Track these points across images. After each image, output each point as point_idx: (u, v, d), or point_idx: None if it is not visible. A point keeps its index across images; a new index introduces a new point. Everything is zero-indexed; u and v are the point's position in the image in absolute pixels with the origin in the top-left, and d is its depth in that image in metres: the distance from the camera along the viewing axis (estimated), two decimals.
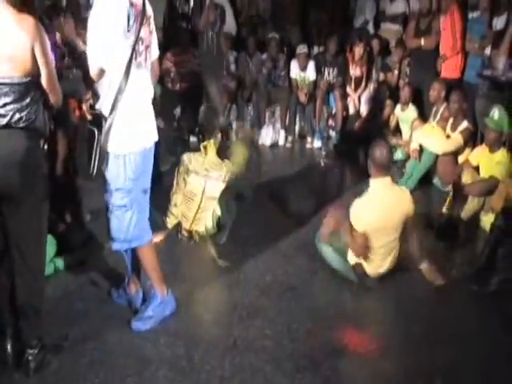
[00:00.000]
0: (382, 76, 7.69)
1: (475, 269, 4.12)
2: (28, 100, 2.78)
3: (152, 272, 3.49)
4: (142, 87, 3.22)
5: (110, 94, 3.08)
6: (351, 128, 7.45)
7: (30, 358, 3.04)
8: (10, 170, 2.76)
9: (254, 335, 3.46)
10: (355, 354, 3.42)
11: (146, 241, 3.41)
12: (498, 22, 6.13)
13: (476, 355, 3.37)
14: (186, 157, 4.71)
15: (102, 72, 3.01)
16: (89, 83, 3.22)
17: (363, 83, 7.60)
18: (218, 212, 4.66)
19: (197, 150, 4.94)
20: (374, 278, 4.02)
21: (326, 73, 7.71)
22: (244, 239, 4.72)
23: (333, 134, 7.57)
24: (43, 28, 2.84)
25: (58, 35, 5.34)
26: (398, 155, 6.47)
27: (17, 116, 2.75)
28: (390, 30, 8.22)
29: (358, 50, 7.50)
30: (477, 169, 5.02)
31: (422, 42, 6.87)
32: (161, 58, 7.30)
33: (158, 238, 4.56)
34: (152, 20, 3.26)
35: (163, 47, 7.54)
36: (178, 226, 4.73)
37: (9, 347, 3.07)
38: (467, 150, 5.57)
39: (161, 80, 7.26)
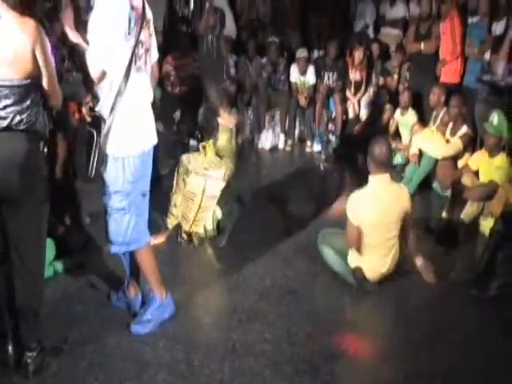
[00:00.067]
0: (381, 80, 7.70)
1: (475, 273, 4.11)
2: (28, 102, 2.78)
3: (150, 275, 3.49)
4: (142, 90, 3.23)
5: (110, 96, 3.08)
6: (351, 132, 7.47)
7: (29, 360, 3.03)
8: (10, 173, 2.76)
9: (253, 339, 3.45)
10: (355, 358, 3.42)
11: (144, 244, 3.41)
12: (498, 27, 6.15)
13: (475, 359, 3.37)
14: (185, 157, 4.71)
15: (103, 74, 3.01)
16: (89, 86, 3.21)
17: (363, 87, 7.62)
18: (219, 214, 4.67)
19: (196, 151, 4.94)
20: (373, 283, 4.01)
21: (326, 77, 7.73)
22: (243, 242, 4.73)
23: (332, 137, 7.58)
24: (44, 31, 2.84)
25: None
26: (398, 159, 6.48)
27: (17, 118, 2.75)
28: (390, 34, 8.24)
29: (358, 55, 7.51)
30: (476, 173, 5.03)
31: (422, 46, 6.89)
32: (161, 62, 7.37)
33: (159, 239, 4.57)
34: (152, 23, 3.27)
35: (163, 51, 7.56)
36: (178, 228, 4.72)
37: (10, 349, 3.07)
38: (467, 155, 5.57)
39: (160, 83, 7.27)
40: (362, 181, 4.10)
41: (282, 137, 7.80)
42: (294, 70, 7.79)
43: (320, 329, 3.60)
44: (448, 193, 5.54)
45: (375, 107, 7.46)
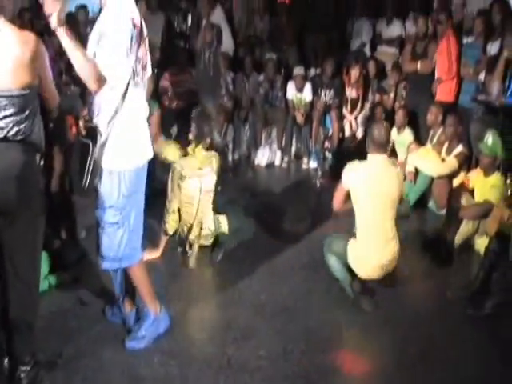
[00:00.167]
0: (377, 98, 7.74)
1: (470, 292, 4.13)
2: (26, 113, 2.80)
3: (144, 291, 3.48)
4: (138, 105, 3.25)
5: (108, 111, 3.09)
6: (347, 149, 7.49)
7: (23, 375, 3.01)
8: (6, 184, 2.76)
9: (248, 355, 3.45)
10: (350, 375, 3.43)
11: (136, 261, 3.40)
12: (492, 48, 6.22)
13: (470, 378, 3.37)
14: (177, 163, 4.70)
15: (103, 80, 3.00)
16: (87, 99, 3.23)
17: (359, 105, 7.66)
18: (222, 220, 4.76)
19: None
20: (369, 300, 4.02)
21: (323, 94, 7.76)
22: (239, 259, 4.74)
23: (329, 154, 7.59)
24: (42, 43, 2.88)
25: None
26: None
27: (15, 129, 2.76)
28: (387, 52, 8.30)
29: (355, 73, 7.56)
30: (471, 192, 5.05)
31: (419, 66, 6.94)
32: (158, 77, 7.41)
33: (153, 255, 4.57)
34: (147, 40, 3.30)
35: (160, 66, 7.61)
36: (179, 238, 4.74)
37: (4, 363, 3.05)
38: (462, 174, 5.60)
39: (158, 98, 7.31)
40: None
41: (278, 153, 7.81)
42: (291, 87, 7.82)
43: (315, 345, 3.60)
44: (443, 211, 5.57)
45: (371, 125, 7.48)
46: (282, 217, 5.72)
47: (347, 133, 7.64)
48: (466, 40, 6.83)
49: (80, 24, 8.20)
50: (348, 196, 4.04)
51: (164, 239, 4.70)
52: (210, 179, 4.68)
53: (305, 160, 7.78)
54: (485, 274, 4.10)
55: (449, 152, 5.77)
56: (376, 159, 4.03)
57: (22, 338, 3.02)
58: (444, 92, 6.70)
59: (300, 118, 7.74)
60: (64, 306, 3.89)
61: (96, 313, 3.79)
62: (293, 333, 3.71)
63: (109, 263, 3.35)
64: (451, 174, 5.63)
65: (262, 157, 7.75)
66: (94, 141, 3.10)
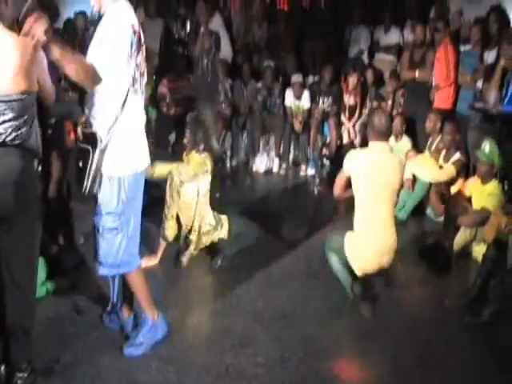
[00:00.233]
0: (375, 105, 7.76)
1: (467, 299, 4.13)
2: (25, 118, 2.81)
3: (142, 297, 3.48)
4: (137, 112, 3.25)
5: (108, 117, 3.10)
6: (345, 156, 7.48)
7: (20, 381, 3.01)
8: (4, 190, 2.77)
9: (246, 363, 3.44)
10: (347, 383, 3.41)
11: (134, 267, 3.40)
12: (489, 56, 6.24)
13: None
14: (174, 171, 4.70)
15: (100, 80, 2.98)
16: (87, 105, 3.23)
17: (357, 112, 7.68)
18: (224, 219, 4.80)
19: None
20: (368, 305, 4.01)
21: (321, 101, 7.78)
22: (237, 266, 4.74)
23: (327, 162, 7.62)
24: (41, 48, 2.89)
25: None
26: None
27: (13, 134, 2.77)
28: (384, 60, 8.34)
29: (352, 80, 7.58)
30: (469, 200, 5.06)
31: (417, 73, 6.97)
32: (156, 83, 7.43)
33: (151, 262, 4.57)
34: (144, 47, 3.30)
35: (159, 72, 7.63)
36: (181, 241, 4.76)
37: (2, 369, 3.04)
38: (460, 181, 5.61)
39: (156, 105, 7.33)
40: (355, 205, 4.12)
41: (276, 160, 7.83)
42: (289, 95, 7.84)
43: (313, 353, 3.59)
44: (441, 219, 5.57)
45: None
46: (280, 223, 5.73)
47: (345, 140, 7.66)
48: (463, 48, 6.87)
49: (79, 30, 8.22)
50: (349, 183, 4.04)
51: (162, 246, 4.70)
52: (206, 181, 4.72)
53: (303, 167, 7.80)
54: (482, 282, 4.10)
55: (446, 159, 5.78)
56: (377, 147, 4.04)
57: (19, 345, 3.01)
58: (442, 99, 6.72)
59: (298, 126, 7.76)
60: (61, 312, 3.88)
61: (94, 319, 3.78)
62: (290, 340, 3.70)
63: (107, 269, 3.34)
64: (449, 182, 5.64)
65: (260, 164, 7.77)
66: (94, 147, 3.09)
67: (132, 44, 3.06)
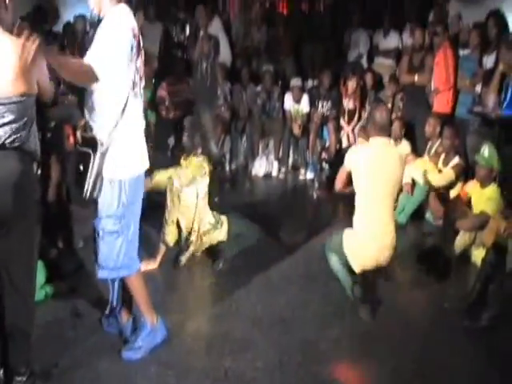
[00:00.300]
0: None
1: (466, 304, 4.12)
2: (25, 120, 2.82)
3: (141, 301, 3.48)
4: (137, 115, 3.26)
5: (109, 121, 3.11)
6: (344, 160, 7.48)
7: None
8: (3, 193, 2.77)
9: (245, 367, 3.43)
10: None
11: (134, 270, 3.40)
12: (488, 61, 6.26)
13: None
14: (173, 176, 4.71)
15: (96, 77, 2.97)
16: (89, 109, 3.23)
17: (356, 116, 7.68)
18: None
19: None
20: (367, 308, 4.00)
21: (320, 105, 7.79)
22: (236, 269, 4.74)
23: (326, 166, 7.62)
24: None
25: None
26: None
27: (13, 137, 2.78)
28: (384, 64, 8.35)
29: (352, 84, 7.58)
30: (468, 204, 5.06)
31: (416, 77, 6.97)
32: (156, 87, 7.43)
33: (151, 265, 4.57)
34: (143, 50, 3.31)
35: (158, 76, 7.63)
36: (182, 245, 4.78)
37: (0, 373, 3.04)
38: (459, 185, 5.62)
39: (155, 108, 7.32)
40: (354, 209, 4.12)
41: (275, 164, 7.84)
42: (288, 99, 7.85)
43: (311, 357, 3.59)
44: (440, 223, 5.58)
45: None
46: (279, 227, 5.73)
47: (344, 144, 7.65)
48: (462, 52, 6.88)
49: (78, 33, 8.23)
50: (350, 179, 4.04)
51: (162, 250, 4.71)
52: (204, 184, 4.75)
53: (302, 171, 7.80)
54: (481, 286, 4.09)
55: (445, 163, 5.79)
56: (377, 142, 4.04)
57: (18, 348, 3.01)
58: (441, 103, 6.73)
59: (297, 130, 7.76)
60: (60, 316, 3.88)
61: (92, 323, 3.78)
62: (289, 344, 3.70)
63: (107, 272, 3.34)
64: (448, 186, 5.65)
65: (260, 167, 7.77)
66: (94, 150, 3.10)
67: (132, 47, 3.08)
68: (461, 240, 4.88)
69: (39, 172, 3.07)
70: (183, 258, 4.73)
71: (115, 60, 2.99)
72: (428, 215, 5.94)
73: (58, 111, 4.75)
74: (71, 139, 4.92)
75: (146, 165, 3.37)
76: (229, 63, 8.53)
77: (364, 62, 8.68)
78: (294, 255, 5.03)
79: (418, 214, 5.94)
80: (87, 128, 3.18)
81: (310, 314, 4.11)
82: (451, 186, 5.66)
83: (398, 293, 4.50)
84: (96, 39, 3.03)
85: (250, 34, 9.38)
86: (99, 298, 3.99)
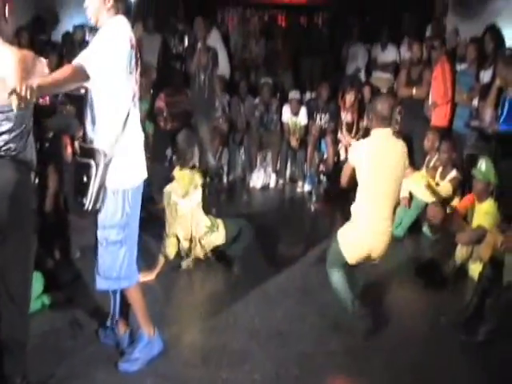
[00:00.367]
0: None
1: (463, 318, 4.12)
2: (22, 129, 2.83)
3: (139, 313, 3.47)
4: (136, 124, 3.28)
5: (110, 132, 3.11)
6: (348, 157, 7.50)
7: None
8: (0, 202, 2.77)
9: (242, 379, 3.43)
10: None
11: (134, 282, 3.40)
12: (485, 75, 6.30)
13: None
14: (170, 189, 4.74)
15: (87, 78, 2.96)
16: (82, 119, 3.24)
17: (354, 129, 7.70)
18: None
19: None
20: (367, 324, 3.97)
21: (318, 118, 7.81)
22: (234, 282, 4.74)
23: (324, 178, 7.63)
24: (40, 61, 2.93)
25: None
26: None
27: (9, 145, 2.79)
28: (381, 78, 8.40)
29: (350, 97, 7.61)
30: (465, 218, 5.08)
31: (414, 91, 7.00)
32: (154, 98, 7.44)
33: (148, 276, 4.55)
34: (140, 61, 3.32)
35: (157, 87, 7.64)
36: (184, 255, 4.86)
37: None
38: (456, 199, 5.64)
39: (153, 119, 7.33)
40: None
41: (273, 176, 7.84)
42: (287, 111, 7.87)
43: (308, 370, 3.58)
44: (437, 236, 5.58)
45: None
46: (276, 240, 5.72)
47: (342, 157, 7.67)
48: (459, 67, 6.93)
49: (77, 43, 8.24)
50: (355, 174, 4.00)
51: (161, 262, 4.71)
52: (197, 194, 4.81)
53: (299, 183, 7.80)
54: (478, 300, 4.10)
55: (443, 177, 5.81)
56: (379, 133, 4.01)
57: (13, 359, 3.00)
58: (439, 117, 6.75)
59: (295, 142, 7.76)
60: (56, 326, 3.86)
61: (89, 334, 3.77)
62: (286, 357, 3.70)
63: (108, 283, 3.34)
64: (445, 199, 5.66)
65: (257, 179, 7.77)
66: (96, 161, 3.09)
67: (131, 58, 3.09)
68: (458, 254, 4.88)
69: (37, 181, 3.06)
70: (184, 264, 4.82)
71: (113, 69, 3.01)
72: (425, 228, 5.95)
73: (56, 121, 4.76)
74: (69, 149, 4.93)
75: (145, 175, 3.38)
76: (227, 75, 8.56)
77: (362, 75, 8.74)
78: (292, 268, 5.02)
79: (415, 228, 5.94)
80: (86, 139, 3.19)
81: (307, 326, 4.11)
82: (448, 199, 5.67)
83: (395, 306, 4.49)
84: (91, 44, 3.04)
85: (249, 46, 9.43)
86: (96, 308, 3.99)
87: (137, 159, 3.29)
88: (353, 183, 4.07)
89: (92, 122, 3.14)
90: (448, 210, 5.52)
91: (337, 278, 4.06)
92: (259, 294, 4.54)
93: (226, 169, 7.93)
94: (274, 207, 7.09)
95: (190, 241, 4.78)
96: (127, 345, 3.57)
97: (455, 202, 5.55)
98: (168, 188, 4.74)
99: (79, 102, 3.32)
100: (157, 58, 8.60)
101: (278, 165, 7.91)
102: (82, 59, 2.95)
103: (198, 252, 4.84)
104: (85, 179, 3.09)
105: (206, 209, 4.92)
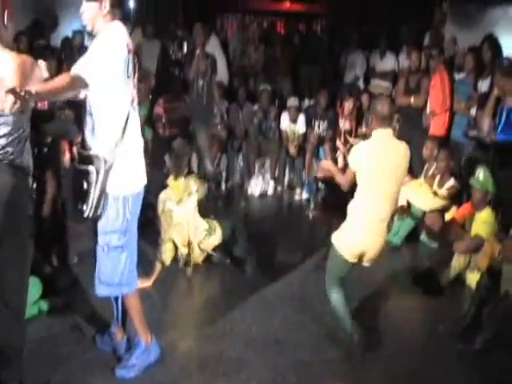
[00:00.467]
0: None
1: (461, 327, 4.12)
2: (19, 134, 2.83)
3: (137, 319, 3.47)
4: (137, 130, 3.29)
5: (110, 138, 3.12)
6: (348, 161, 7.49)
7: None
8: None
9: None
10: None
11: (133, 288, 3.41)
12: (483, 85, 6.31)
13: None
14: (165, 197, 4.76)
15: (84, 85, 2.98)
16: (81, 125, 3.24)
17: (353, 137, 7.70)
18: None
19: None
20: (365, 336, 3.89)
21: (316, 126, 7.81)
22: (231, 289, 4.73)
23: (322, 186, 7.62)
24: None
25: None
26: None
27: (5, 150, 2.79)
28: (380, 86, 8.42)
29: (348, 105, 7.62)
30: (463, 227, 5.08)
31: (412, 99, 7.02)
32: (153, 104, 7.45)
33: (145, 283, 4.55)
34: (138, 66, 3.33)
35: (156, 93, 7.65)
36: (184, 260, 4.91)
37: None
38: (454, 208, 5.65)
39: (152, 125, 7.34)
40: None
41: (271, 184, 7.83)
42: (285, 118, 7.86)
43: (305, 379, 3.58)
44: (435, 245, 5.58)
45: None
46: (274, 247, 5.71)
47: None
48: (457, 76, 6.94)
49: (76, 49, 8.26)
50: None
51: (158, 268, 4.70)
52: (194, 199, 4.86)
53: (297, 191, 7.79)
54: (476, 309, 4.10)
55: (440, 185, 5.82)
56: (380, 134, 3.91)
57: (9, 364, 2.99)
58: (437, 126, 6.76)
59: (293, 150, 7.76)
60: (53, 332, 3.86)
61: (86, 339, 3.76)
62: (283, 365, 3.69)
63: (110, 290, 3.34)
64: (443, 208, 5.67)
65: (256, 186, 7.76)
66: (96, 168, 3.09)
67: (128, 63, 3.09)
68: (456, 263, 4.88)
69: (35, 186, 3.05)
70: (189, 270, 4.89)
71: (111, 74, 3.02)
72: (423, 237, 5.95)
73: (55, 126, 4.75)
74: (67, 154, 4.93)
75: (145, 181, 3.38)
76: (226, 82, 8.56)
77: (360, 83, 8.76)
78: (289, 276, 5.01)
79: (412, 236, 5.94)
80: (85, 145, 3.18)
81: (304, 335, 4.10)
82: (446, 208, 5.68)
83: (393, 314, 4.49)
84: (88, 51, 3.05)
85: (248, 53, 9.44)
86: (93, 314, 3.98)
87: (137, 164, 3.29)
88: (354, 185, 4.01)
89: (91, 130, 3.14)
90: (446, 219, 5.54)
91: (335, 297, 3.99)
92: (256, 301, 4.53)
93: (224, 176, 7.93)
94: (272, 214, 7.09)
95: (188, 246, 4.80)
96: (124, 351, 3.57)
97: (453, 211, 5.55)
98: (162, 195, 4.76)
99: (78, 108, 3.32)
100: (156, 64, 8.61)
101: (277, 172, 7.90)
102: (79, 67, 2.96)
103: (197, 256, 4.89)
104: (85, 186, 3.09)
105: (203, 212, 4.96)
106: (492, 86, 6.03)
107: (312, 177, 7.73)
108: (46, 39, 8.25)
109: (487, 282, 4.13)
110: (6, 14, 2.95)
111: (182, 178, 4.83)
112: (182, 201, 4.76)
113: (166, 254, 4.70)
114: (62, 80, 2.90)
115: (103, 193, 3.12)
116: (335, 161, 7.61)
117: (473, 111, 6.31)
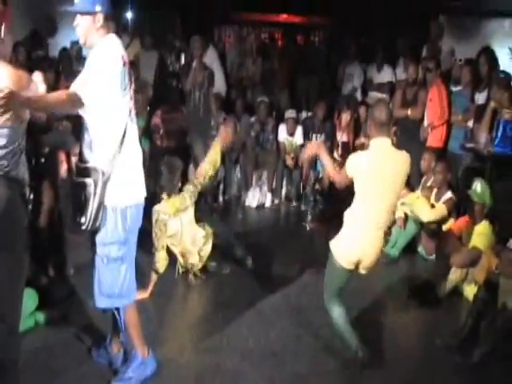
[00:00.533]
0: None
1: (458, 340, 4.11)
2: (15, 146, 2.82)
3: (134, 332, 3.45)
4: (135, 141, 3.28)
5: (108, 150, 3.11)
6: (337, 193, 7.49)
7: None
8: None
9: None
10: None
11: (132, 300, 3.39)
12: (480, 97, 6.34)
13: None
14: (159, 208, 4.76)
15: (80, 104, 2.98)
16: (79, 136, 3.24)
17: (350, 149, 7.71)
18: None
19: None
20: (367, 351, 3.84)
21: (314, 138, 7.82)
22: (227, 302, 4.71)
23: (319, 198, 7.62)
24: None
25: None
26: None
27: (1, 162, 2.78)
28: (377, 98, 8.41)
29: (345, 117, 7.64)
30: (460, 239, 5.08)
31: (409, 111, 7.03)
32: (150, 115, 7.45)
33: (142, 295, 4.53)
34: (133, 77, 3.33)
35: (153, 104, 7.66)
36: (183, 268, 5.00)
37: None
38: (451, 220, 5.65)
39: (149, 136, 7.34)
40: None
41: (268, 195, 7.82)
42: (283, 130, 7.87)
43: None
44: (432, 257, 5.58)
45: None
46: (271, 259, 5.70)
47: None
48: (454, 89, 6.96)
49: (74, 59, 8.27)
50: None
51: (153, 279, 4.68)
52: (189, 212, 4.92)
53: (295, 203, 7.80)
54: (473, 322, 4.10)
55: (438, 198, 5.82)
56: (379, 143, 3.82)
57: (4, 376, 2.96)
58: (435, 138, 6.76)
59: (290, 162, 7.76)
60: (49, 344, 3.84)
61: (83, 352, 3.75)
62: (280, 378, 3.68)
63: (111, 301, 3.32)
64: (440, 220, 5.67)
65: (253, 198, 7.75)
66: (94, 181, 3.09)
67: (124, 75, 3.09)
68: (453, 275, 4.88)
69: (31, 197, 3.04)
70: (192, 278, 4.97)
71: (108, 88, 3.01)
72: (420, 249, 5.95)
73: (52, 137, 4.76)
74: (65, 165, 4.92)
75: (144, 192, 3.37)
76: (223, 93, 8.57)
77: (358, 95, 8.76)
78: (286, 288, 5.00)
79: (410, 248, 5.93)
80: (83, 158, 3.17)
81: (301, 347, 4.09)
82: (443, 220, 5.68)
83: (390, 327, 4.47)
84: (85, 67, 3.06)
85: (245, 64, 9.46)
86: (90, 326, 3.97)
87: (135, 175, 3.28)
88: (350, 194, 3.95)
89: (89, 144, 3.12)
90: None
91: (337, 314, 3.92)
92: (253, 313, 4.52)
93: (221, 187, 7.92)
94: (270, 226, 7.08)
95: (187, 255, 4.87)
96: (120, 364, 3.55)
97: (450, 223, 5.56)
98: (157, 207, 4.76)
99: (75, 119, 3.32)
100: (154, 74, 8.63)
101: (274, 184, 7.89)
102: (78, 85, 2.97)
103: (196, 264, 4.93)
104: (83, 198, 3.09)
105: (197, 217, 5.02)
106: (489, 99, 6.07)
107: (309, 188, 7.73)
108: (45, 50, 8.26)
109: (484, 295, 4.13)
110: (3, 28, 2.96)
111: (177, 196, 4.84)
112: (176, 214, 4.79)
113: (160, 263, 4.69)
114: (57, 96, 2.92)
115: (101, 204, 3.11)
116: None
117: (470, 123, 6.34)
